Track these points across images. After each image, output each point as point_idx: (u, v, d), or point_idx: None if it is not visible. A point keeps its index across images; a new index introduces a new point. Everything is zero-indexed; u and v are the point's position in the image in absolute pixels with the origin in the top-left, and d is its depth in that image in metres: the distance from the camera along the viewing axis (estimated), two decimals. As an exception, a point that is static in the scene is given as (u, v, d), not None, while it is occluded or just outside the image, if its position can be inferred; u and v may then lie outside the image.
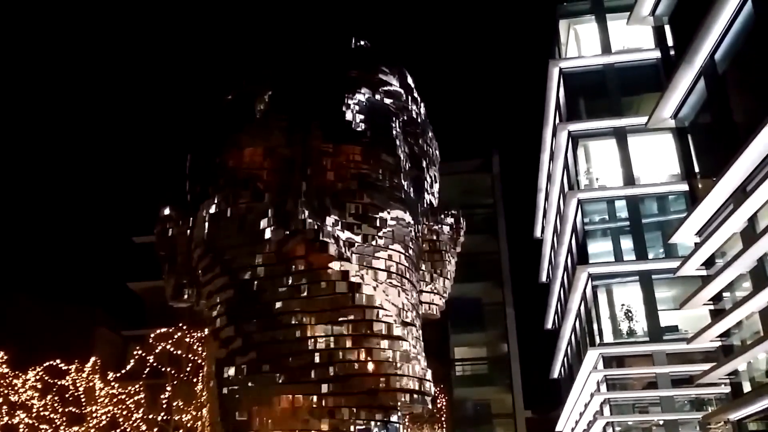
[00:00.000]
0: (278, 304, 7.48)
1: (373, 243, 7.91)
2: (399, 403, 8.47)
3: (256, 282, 7.56)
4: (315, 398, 8.02)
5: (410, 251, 9.01)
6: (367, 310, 7.88)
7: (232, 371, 6.96)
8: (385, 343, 8.40)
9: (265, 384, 7.74)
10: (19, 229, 70.40)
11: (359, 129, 8.79)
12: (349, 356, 7.80)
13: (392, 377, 7.48)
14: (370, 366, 7.61)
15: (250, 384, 7.66)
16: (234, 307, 7.90)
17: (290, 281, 7.48)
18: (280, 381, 7.62)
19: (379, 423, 8.03)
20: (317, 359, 7.23)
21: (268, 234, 7.33)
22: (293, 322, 7.30)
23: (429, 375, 8.37)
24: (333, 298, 7.25)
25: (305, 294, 7.36)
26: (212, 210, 9.10)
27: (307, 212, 7.45)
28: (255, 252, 7.76)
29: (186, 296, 9.04)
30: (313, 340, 7.21)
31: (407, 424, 7.70)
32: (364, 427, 7.69)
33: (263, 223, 7.15)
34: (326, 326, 7.73)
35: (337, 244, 7.58)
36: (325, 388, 7.78)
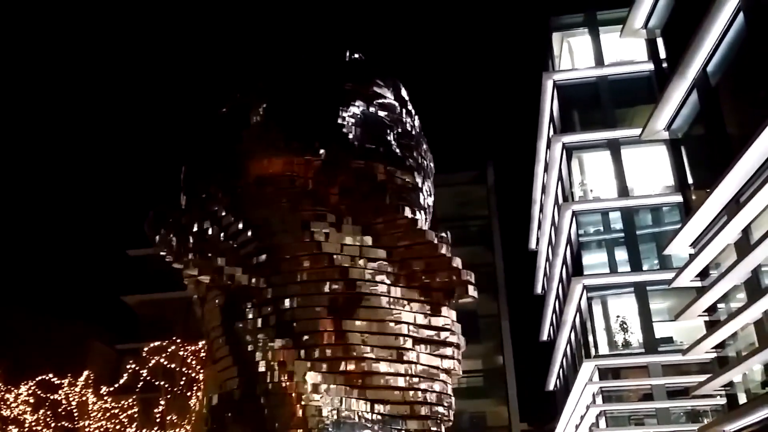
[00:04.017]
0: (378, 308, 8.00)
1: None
2: (419, 417, 8.82)
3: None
4: (344, 384, 8.54)
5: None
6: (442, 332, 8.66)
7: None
8: (428, 360, 9.00)
9: (299, 360, 8.25)
10: (12, 242, 70.12)
11: (356, 143, 9.07)
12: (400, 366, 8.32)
13: (420, 392, 8.25)
14: (405, 379, 8.23)
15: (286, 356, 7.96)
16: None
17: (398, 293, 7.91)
18: (314, 359, 8.18)
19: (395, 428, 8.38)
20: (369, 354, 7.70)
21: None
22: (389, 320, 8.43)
23: (450, 399, 9.00)
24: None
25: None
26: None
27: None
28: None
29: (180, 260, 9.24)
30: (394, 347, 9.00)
31: None
32: (378, 423, 8.11)
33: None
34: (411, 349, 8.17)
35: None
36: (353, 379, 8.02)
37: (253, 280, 7.86)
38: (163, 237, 8.51)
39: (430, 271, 8.13)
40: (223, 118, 8.41)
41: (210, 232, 8.36)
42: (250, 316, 7.96)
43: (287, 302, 7.87)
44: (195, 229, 8.38)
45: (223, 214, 8.28)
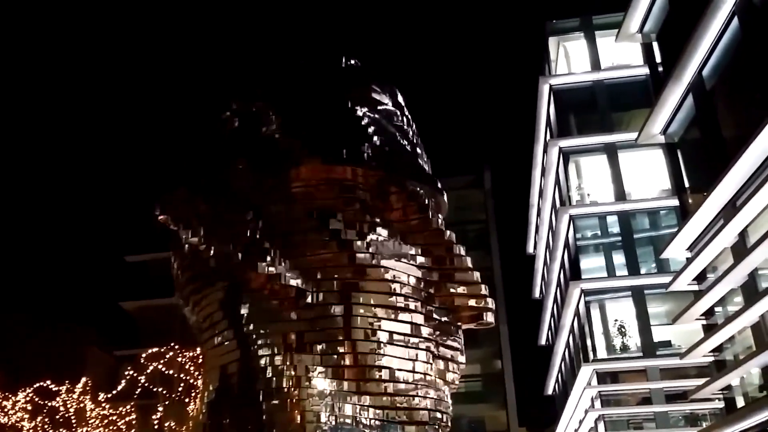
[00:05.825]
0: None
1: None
2: (418, 422, 8.85)
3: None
4: (343, 390, 8.55)
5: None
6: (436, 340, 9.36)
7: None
8: (423, 367, 9.08)
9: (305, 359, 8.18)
10: (10, 247, 69.99)
11: (371, 150, 9.13)
12: (400, 374, 8.40)
13: (418, 398, 8.27)
14: (408, 384, 8.33)
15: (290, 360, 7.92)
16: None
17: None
18: (318, 361, 8.14)
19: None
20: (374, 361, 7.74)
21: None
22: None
23: (448, 407, 9.04)
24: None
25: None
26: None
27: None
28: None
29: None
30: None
31: None
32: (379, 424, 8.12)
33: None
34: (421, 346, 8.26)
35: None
36: (352, 385, 8.07)
37: (269, 269, 7.64)
38: (173, 206, 8.18)
39: (462, 295, 8.12)
40: (225, 126, 8.29)
41: (228, 215, 8.10)
42: (258, 308, 7.80)
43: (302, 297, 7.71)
44: (212, 211, 8.10)
45: (249, 207, 8.01)
